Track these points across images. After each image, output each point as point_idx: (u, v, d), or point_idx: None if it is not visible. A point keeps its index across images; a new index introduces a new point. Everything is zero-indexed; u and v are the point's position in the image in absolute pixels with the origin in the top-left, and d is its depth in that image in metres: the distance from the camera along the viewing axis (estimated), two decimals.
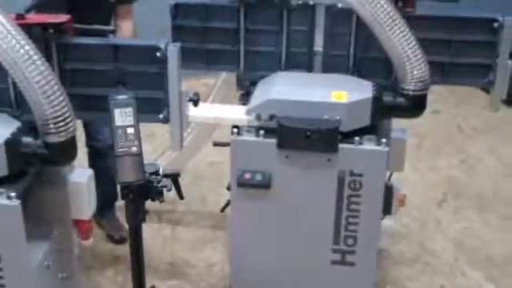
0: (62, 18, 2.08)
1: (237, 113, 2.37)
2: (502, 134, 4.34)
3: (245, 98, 2.50)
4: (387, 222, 2.92)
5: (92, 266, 2.95)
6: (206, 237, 3.21)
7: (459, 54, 2.44)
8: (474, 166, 3.93)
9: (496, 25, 2.38)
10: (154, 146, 3.61)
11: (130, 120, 1.87)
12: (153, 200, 2.00)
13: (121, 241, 3.07)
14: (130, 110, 1.87)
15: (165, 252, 3.09)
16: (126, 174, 1.87)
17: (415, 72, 2.22)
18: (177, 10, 2.54)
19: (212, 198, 3.48)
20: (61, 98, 1.85)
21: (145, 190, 1.95)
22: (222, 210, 3.20)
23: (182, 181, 2.15)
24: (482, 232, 3.27)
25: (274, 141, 2.29)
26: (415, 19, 2.32)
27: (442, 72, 2.46)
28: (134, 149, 1.87)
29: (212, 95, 3.34)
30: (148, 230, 3.13)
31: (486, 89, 2.55)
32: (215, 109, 2.55)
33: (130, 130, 1.87)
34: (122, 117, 1.87)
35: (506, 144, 4.19)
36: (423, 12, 2.42)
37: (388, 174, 2.51)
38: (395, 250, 3.11)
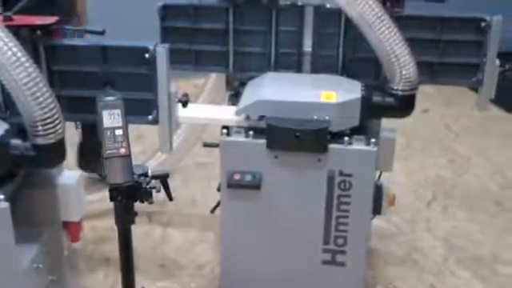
0: (50, 19, 2.07)
1: (226, 113, 2.37)
2: (491, 133, 4.36)
3: (234, 98, 2.50)
4: (377, 221, 2.93)
5: (82, 267, 2.94)
6: (197, 238, 3.21)
7: (447, 53, 2.46)
8: (462, 166, 3.95)
9: (484, 24, 2.39)
10: (144, 147, 3.60)
11: (118, 121, 1.87)
12: (142, 201, 1.99)
13: None
14: (118, 111, 1.87)
15: (155, 253, 3.09)
16: (115, 175, 1.86)
17: (404, 72, 2.23)
18: (165, 11, 2.54)
19: (202, 199, 3.48)
20: (49, 100, 1.84)
21: (134, 191, 1.94)
22: (212, 210, 3.20)
23: (171, 182, 2.15)
24: (470, 231, 3.29)
25: (263, 141, 2.29)
26: (403, 19, 2.33)
27: (430, 72, 2.47)
28: (123, 150, 1.86)
29: (202, 96, 3.34)
30: (138, 231, 3.12)
31: (475, 88, 2.56)
32: (205, 110, 2.55)
33: (119, 132, 1.87)
34: (111, 118, 1.87)
35: (494, 143, 4.22)
36: (411, 12, 2.43)
37: (378, 173, 2.52)
38: (385, 250, 3.11)
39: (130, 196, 1.94)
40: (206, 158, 3.67)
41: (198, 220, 3.33)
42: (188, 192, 3.55)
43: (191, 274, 2.96)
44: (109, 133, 1.87)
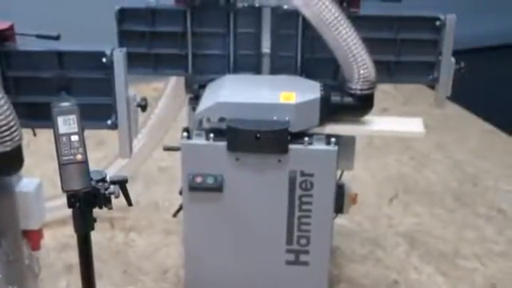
0: (4, 24, 2.04)
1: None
2: (449, 130, 4.43)
3: (194, 101, 2.50)
4: (339, 220, 2.95)
5: (44, 276, 2.89)
6: (160, 242, 3.18)
7: (404, 52, 2.49)
8: (422, 162, 4.00)
9: (438, 23, 2.43)
10: (105, 153, 3.57)
11: (73, 127, 1.85)
12: (100, 207, 1.98)
13: None
14: (73, 117, 1.85)
15: (118, 259, 3.06)
16: (72, 182, 1.84)
17: (361, 71, 2.25)
18: (122, 15, 2.51)
19: (165, 203, 3.46)
20: (5, 107, 1.81)
21: (92, 197, 1.92)
22: (175, 214, 3.18)
23: (133, 187, 2.14)
24: (431, 227, 3.34)
25: (224, 143, 2.29)
26: (360, 19, 2.35)
27: (387, 71, 2.50)
28: (79, 156, 1.84)
29: (161, 100, 3.32)
30: (101, 237, 3.10)
31: (432, 86, 2.60)
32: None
33: (75, 138, 1.85)
34: (66, 124, 1.85)
35: (452, 140, 4.28)
36: (367, 12, 2.45)
37: (339, 172, 2.54)
38: (348, 248, 3.14)
39: (87, 202, 1.93)
40: (167, 161, 3.65)
41: (161, 224, 3.31)
42: (150, 196, 3.53)
43: (155, 278, 2.94)
44: (64, 139, 1.84)
